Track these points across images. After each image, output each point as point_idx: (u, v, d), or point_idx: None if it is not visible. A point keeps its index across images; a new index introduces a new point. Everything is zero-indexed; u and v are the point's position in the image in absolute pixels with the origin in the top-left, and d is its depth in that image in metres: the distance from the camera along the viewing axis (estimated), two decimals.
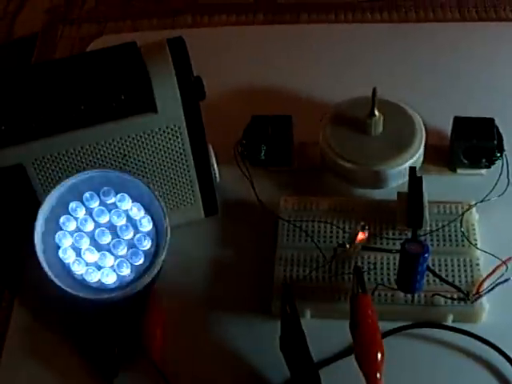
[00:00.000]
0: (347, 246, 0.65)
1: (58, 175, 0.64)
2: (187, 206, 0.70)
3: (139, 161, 0.65)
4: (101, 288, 0.62)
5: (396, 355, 0.60)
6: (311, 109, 0.80)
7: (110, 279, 0.62)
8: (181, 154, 0.66)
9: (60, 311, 0.65)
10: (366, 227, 0.65)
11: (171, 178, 0.67)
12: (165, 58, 0.61)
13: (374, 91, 0.71)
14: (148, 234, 0.62)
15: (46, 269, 0.59)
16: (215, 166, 0.70)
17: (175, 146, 0.65)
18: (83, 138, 0.62)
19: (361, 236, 0.64)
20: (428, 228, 0.68)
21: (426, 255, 0.60)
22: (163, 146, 0.65)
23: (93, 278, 0.62)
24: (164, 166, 0.66)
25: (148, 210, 0.63)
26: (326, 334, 0.63)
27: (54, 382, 0.63)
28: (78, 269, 0.62)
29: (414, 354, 0.63)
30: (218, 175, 0.71)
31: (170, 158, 0.66)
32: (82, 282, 0.62)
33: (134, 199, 0.63)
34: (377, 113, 0.72)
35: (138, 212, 0.63)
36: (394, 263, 0.66)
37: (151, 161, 0.65)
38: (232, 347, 0.63)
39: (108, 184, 0.62)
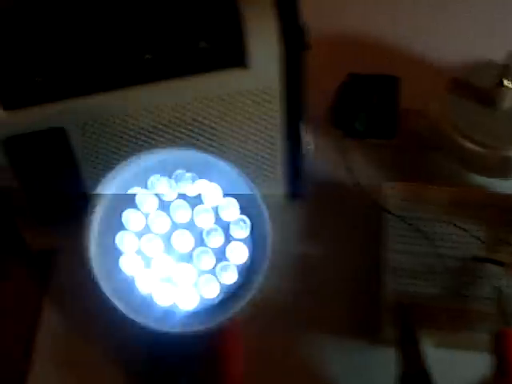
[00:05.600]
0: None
1: (110, 144, 0.52)
2: (267, 186, 0.58)
3: (212, 128, 0.53)
4: (170, 311, 0.47)
5: None
6: (422, 70, 0.70)
7: (190, 302, 0.47)
8: (271, 123, 0.54)
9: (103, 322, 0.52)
10: None
11: (254, 153, 0.56)
12: None
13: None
14: (243, 241, 0.48)
15: (106, 290, 0.44)
16: (308, 140, 0.58)
17: (264, 113, 0.53)
18: (145, 97, 0.50)
19: None
20: None
21: None
22: (249, 113, 0.53)
23: (164, 298, 0.47)
24: (245, 137, 0.55)
25: (242, 209, 0.49)
26: (454, 368, 0.53)
27: None
28: (146, 285, 0.47)
29: None
30: (311, 152, 0.59)
31: (256, 128, 0.54)
32: (145, 301, 0.47)
33: (224, 191, 0.49)
34: (507, 82, 0.61)
35: (229, 209, 0.48)
36: None
37: (231, 130, 0.54)
38: (328, 378, 0.53)
39: (185, 167, 0.48)
